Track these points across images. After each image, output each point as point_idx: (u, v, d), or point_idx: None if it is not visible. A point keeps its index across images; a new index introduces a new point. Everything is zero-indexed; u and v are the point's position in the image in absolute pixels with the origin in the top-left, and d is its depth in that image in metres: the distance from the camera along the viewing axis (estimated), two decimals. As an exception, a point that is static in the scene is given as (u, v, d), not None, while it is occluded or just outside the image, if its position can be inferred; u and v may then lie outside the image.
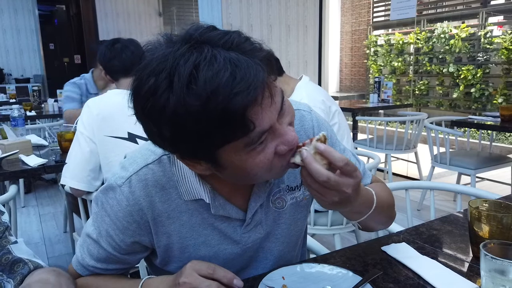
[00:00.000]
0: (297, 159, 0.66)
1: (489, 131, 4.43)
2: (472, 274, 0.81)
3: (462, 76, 6.60)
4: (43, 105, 4.49)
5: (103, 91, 2.41)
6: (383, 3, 8.26)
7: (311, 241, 1.09)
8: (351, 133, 3.33)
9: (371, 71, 8.32)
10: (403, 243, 0.93)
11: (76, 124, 2.39)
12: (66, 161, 1.61)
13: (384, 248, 0.90)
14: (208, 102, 0.53)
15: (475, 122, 2.90)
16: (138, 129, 1.58)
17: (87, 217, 1.70)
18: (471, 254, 0.89)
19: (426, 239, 0.97)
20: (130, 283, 0.77)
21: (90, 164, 1.56)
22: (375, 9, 8.53)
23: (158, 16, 9.60)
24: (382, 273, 0.79)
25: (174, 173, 0.75)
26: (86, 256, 0.80)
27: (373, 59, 8.24)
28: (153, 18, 9.50)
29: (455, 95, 6.81)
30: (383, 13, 8.37)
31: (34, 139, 2.41)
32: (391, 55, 7.86)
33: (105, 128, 1.54)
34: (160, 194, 0.75)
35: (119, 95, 1.63)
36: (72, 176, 1.56)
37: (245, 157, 0.61)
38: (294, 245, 0.92)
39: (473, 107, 6.59)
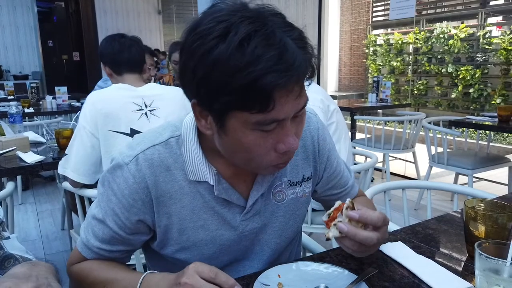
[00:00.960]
0: (334, 233, 0.71)
1: (487, 132, 4.44)
2: (467, 273, 0.81)
3: (460, 76, 6.61)
4: (41, 102, 4.48)
5: None
6: (382, 3, 8.26)
7: (307, 240, 1.09)
8: (349, 132, 3.33)
9: (370, 71, 8.32)
10: (399, 242, 0.94)
11: (73, 121, 2.40)
12: (66, 152, 1.61)
13: (380, 247, 0.90)
14: (248, 65, 0.58)
15: (473, 122, 2.91)
16: (140, 125, 1.60)
17: (85, 214, 1.70)
18: (466, 254, 0.89)
19: (422, 238, 0.97)
20: (132, 275, 0.77)
21: (92, 158, 1.56)
22: (374, 9, 8.53)
23: (157, 14, 9.59)
24: (378, 272, 0.79)
25: (182, 153, 0.77)
26: (91, 238, 0.81)
27: (372, 58, 8.24)
28: (152, 16, 9.49)
29: (453, 95, 6.82)
30: (382, 13, 8.37)
31: (32, 136, 2.41)
32: (390, 54, 7.87)
33: (108, 123, 1.55)
34: (165, 175, 0.77)
35: (123, 90, 1.64)
36: (73, 169, 1.57)
37: (248, 133, 0.64)
38: (291, 240, 0.93)
39: (471, 107, 6.61)
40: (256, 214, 0.84)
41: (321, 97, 1.89)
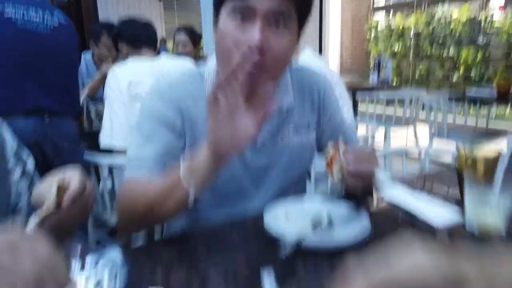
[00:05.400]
0: (337, 174, 0.80)
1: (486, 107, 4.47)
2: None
3: (462, 59, 6.62)
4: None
5: (101, 71, 2.48)
6: (384, -14, 8.22)
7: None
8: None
9: (372, 55, 8.33)
10: (395, 184, 1.01)
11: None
12: (102, 126, 1.71)
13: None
14: None
15: (472, 96, 2.95)
16: None
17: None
18: (458, 195, 0.96)
19: (418, 184, 1.04)
20: (171, 172, 0.77)
21: (127, 124, 1.66)
22: (376, -7, 8.49)
23: (158, 1, 9.57)
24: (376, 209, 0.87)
25: (204, 88, 0.88)
26: (142, 160, 0.83)
27: (374, 42, 8.25)
28: (153, 4, 9.47)
29: (455, 78, 6.84)
30: (384, -3, 8.34)
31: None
32: (391, 38, 7.87)
33: (131, 90, 1.68)
34: (193, 103, 0.87)
35: (142, 62, 1.78)
36: (113, 137, 1.67)
37: (226, 21, 0.75)
38: (296, 183, 1.01)
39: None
40: (264, 152, 0.92)
41: (325, 70, 1.95)
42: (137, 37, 1.86)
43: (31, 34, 1.57)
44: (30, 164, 0.89)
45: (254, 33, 0.72)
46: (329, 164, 0.82)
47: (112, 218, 1.76)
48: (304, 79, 0.98)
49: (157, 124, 0.85)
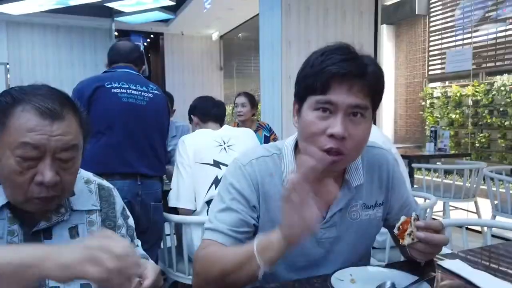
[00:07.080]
0: (408, 241, 0.90)
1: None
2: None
3: (526, 129, 6.37)
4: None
5: None
6: (439, 57, 8.35)
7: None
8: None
9: (427, 123, 8.25)
10: (457, 260, 1.04)
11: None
12: (171, 187, 1.92)
13: (439, 262, 1.01)
14: (322, 54, 0.89)
15: (539, 171, 2.85)
16: (221, 158, 1.92)
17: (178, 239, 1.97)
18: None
19: (480, 257, 1.06)
20: (246, 246, 0.88)
21: (191, 187, 1.86)
22: (430, 63, 8.62)
23: (219, 70, 10.39)
24: (438, 277, 0.91)
25: (281, 166, 1.01)
26: (219, 224, 0.96)
27: (429, 111, 8.20)
28: (215, 72, 10.30)
29: (519, 149, 6.54)
30: (439, 66, 8.43)
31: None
32: (448, 107, 7.80)
33: (196, 156, 1.90)
34: (269, 179, 0.99)
35: (205, 133, 2.04)
36: (179, 199, 1.88)
37: (309, 112, 0.90)
38: (361, 256, 1.08)
39: (540, 161, 6.27)
40: (333, 226, 1.01)
41: (383, 139, 2.04)
42: (207, 114, 2.16)
43: (132, 105, 1.90)
44: (131, 222, 1.05)
45: (336, 125, 0.86)
46: (400, 230, 0.91)
47: (173, 273, 1.90)
48: (374, 157, 1.07)
49: (235, 197, 0.98)
